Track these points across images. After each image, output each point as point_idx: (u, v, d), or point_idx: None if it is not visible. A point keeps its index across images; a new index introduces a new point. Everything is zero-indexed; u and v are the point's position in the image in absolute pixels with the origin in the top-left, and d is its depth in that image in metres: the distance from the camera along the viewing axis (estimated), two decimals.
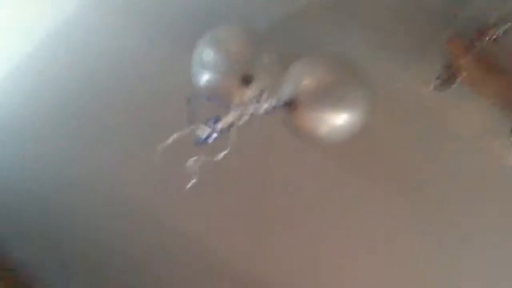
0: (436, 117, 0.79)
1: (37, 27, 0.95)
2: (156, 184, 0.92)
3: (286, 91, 0.69)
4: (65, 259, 1.08)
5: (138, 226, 1.00)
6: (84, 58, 0.94)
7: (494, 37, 0.68)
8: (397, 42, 0.79)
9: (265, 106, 0.60)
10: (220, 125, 0.52)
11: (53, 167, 1.02)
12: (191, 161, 0.51)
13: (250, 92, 0.67)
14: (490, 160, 0.77)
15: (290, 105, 0.67)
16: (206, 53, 0.78)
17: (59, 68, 0.97)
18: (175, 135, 0.50)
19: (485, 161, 0.78)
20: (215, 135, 0.52)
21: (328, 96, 0.69)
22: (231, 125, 0.54)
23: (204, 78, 0.78)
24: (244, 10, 0.87)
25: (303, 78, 0.70)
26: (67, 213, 1.05)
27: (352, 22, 0.82)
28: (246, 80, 0.75)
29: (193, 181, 0.52)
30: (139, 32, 0.91)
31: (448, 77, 0.72)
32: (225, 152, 0.53)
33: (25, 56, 0.97)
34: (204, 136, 0.51)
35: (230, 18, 0.89)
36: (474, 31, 0.70)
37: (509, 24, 0.67)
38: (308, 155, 0.87)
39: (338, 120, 0.70)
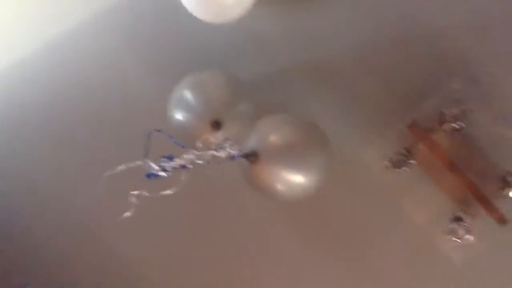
0: (386, 193, 0.81)
1: (31, 38, 0.97)
2: (99, 206, 0.92)
3: (251, 143, 0.70)
4: None
5: (75, 241, 0.99)
6: (69, 73, 0.96)
7: (450, 129, 0.72)
8: (363, 117, 0.82)
9: (225, 154, 0.61)
10: (172, 164, 0.53)
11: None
12: (132, 194, 0.52)
13: (215, 137, 0.68)
14: (428, 242, 0.79)
15: (252, 157, 0.68)
16: (184, 93, 0.79)
17: (43, 80, 0.98)
18: (123, 166, 0.51)
19: (424, 242, 0.80)
20: (164, 172, 0.52)
21: (290, 156, 0.70)
22: (184, 166, 0.54)
23: (177, 116, 0.79)
24: (234, 60, 0.91)
25: (269, 134, 0.71)
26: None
27: (327, 91, 0.85)
28: (216, 125, 0.76)
29: (127, 213, 0.52)
30: (131, 56, 0.92)
31: (403, 159, 0.75)
32: (171, 190, 0.54)
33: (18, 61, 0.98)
34: (153, 171, 0.52)
35: (220, 64, 0.92)
36: (434, 121, 0.74)
37: (461, 123, 0.71)
38: (259, 207, 0.88)
39: (296, 179, 0.70)
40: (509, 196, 0.71)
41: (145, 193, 0.51)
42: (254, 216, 0.90)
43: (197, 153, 0.56)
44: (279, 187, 0.70)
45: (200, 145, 0.61)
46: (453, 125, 0.71)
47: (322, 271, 0.89)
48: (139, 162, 0.50)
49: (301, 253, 0.89)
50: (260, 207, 0.88)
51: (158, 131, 0.57)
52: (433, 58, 0.79)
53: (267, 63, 0.89)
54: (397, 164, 0.75)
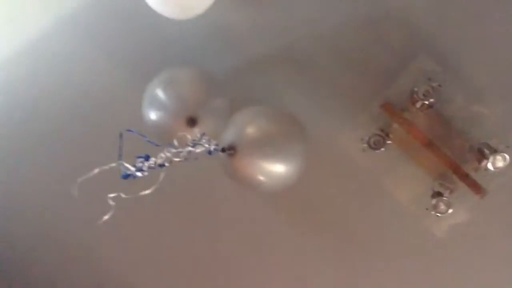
0: (366, 174, 0.82)
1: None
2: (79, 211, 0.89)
3: (228, 137, 0.70)
4: None
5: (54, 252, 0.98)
6: (38, 79, 0.93)
7: (422, 107, 0.73)
8: (337, 101, 0.83)
9: (202, 149, 0.60)
10: (149, 164, 0.52)
11: None
12: (110, 196, 0.51)
13: (191, 134, 0.67)
14: (411, 218, 0.81)
15: (230, 150, 0.68)
16: (157, 91, 0.77)
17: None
18: (97, 169, 0.49)
19: (407, 218, 0.82)
20: (141, 172, 0.51)
21: (268, 146, 0.70)
22: (161, 165, 0.54)
23: (151, 115, 0.78)
24: (204, 55, 0.89)
25: (246, 126, 0.71)
26: None
27: (298, 79, 0.85)
28: (191, 122, 0.75)
29: (107, 216, 0.51)
30: (100, 58, 0.91)
31: (380, 139, 0.75)
32: (150, 190, 0.53)
33: None
34: (130, 172, 0.51)
35: (190, 60, 0.91)
36: (406, 100, 0.75)
37: (433, 100, 0.72)
38: (243, 200, 0.87)
39: (275, 169, 0.70)
40: (487, 168, 0.72)
41: (123, 195, 0.51)
42: (239, 210, 0.90)
43: (173, 150, 0.55)
44: (261, 178, 0.70)
45: (176, 142, 0.60)
46: (425, 102, 0.72)
47: (312, 254, 0.89)
48: (113, 164, 0.49)
49: (291, 239, 0.89)
50: (243, 200, 0.88)
51: (130, 131, 0.56)
52: (401, 37, 0.80)
53: (237, 56, 0.89)
54: (374, 145, 0.76)
